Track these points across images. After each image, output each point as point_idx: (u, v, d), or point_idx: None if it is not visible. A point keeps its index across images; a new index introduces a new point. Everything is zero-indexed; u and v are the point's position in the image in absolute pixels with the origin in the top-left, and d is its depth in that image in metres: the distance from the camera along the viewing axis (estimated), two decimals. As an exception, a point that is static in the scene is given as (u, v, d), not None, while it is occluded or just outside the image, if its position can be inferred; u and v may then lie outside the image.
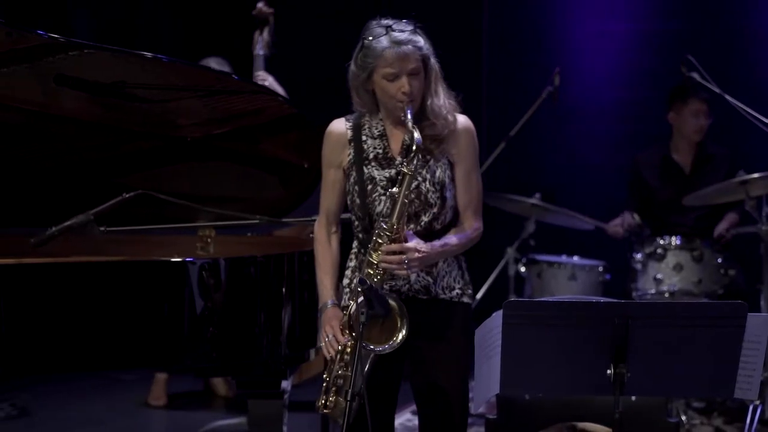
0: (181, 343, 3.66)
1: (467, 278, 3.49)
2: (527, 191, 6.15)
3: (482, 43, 7.55)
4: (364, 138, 3.40)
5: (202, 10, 8.12)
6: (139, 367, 4.50)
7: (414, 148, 3.23)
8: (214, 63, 5.70)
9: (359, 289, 3.16)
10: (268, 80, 5.47)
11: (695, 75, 5.47)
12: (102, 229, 3.86)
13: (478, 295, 6.11)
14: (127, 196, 3.93)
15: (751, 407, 5.08)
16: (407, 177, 3.25)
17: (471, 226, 3.42)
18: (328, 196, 3.48)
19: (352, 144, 3.41)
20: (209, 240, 4.26)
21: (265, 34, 5.52)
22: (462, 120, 3.41)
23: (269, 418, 3.96)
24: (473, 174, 3.42)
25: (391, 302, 3.25)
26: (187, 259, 3.70)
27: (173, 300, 3.64)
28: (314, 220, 3.57)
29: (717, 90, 5.43)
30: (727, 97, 5.41)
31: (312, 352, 4.06)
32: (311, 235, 3.59)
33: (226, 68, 5.71)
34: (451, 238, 3.37)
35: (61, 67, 3.70)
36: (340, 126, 3.44)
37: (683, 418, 5.29)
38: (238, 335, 3.76)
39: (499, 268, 6.13)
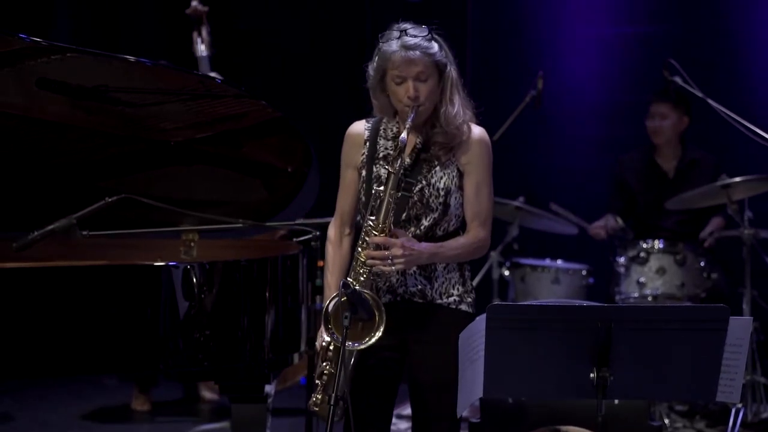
0: (164, 348, 3.65)
1: (469, 286, 3.46)
2: (511, 195, 6.16)
3: (466, 47, 7.55)
4: (379, 139, 3.42)
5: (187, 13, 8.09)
6: (123, 371, 4.48)
7: (399, 146, 3.24)
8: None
9: (342, 292, 3.16)
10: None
11: (677, 79, 5.49)
12: (85, 233, 3.85)
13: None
14: (110, 200, 3.91)
15: (733, 410, 5.10)
16: (392, 176, 3.26)
17: (475, 236, 3.40)
18: (343, 197, 3.49)
19: (367, 144, 3.43)
20: (192, 244, 4.25)
21: (204, 33, 5.45)
22: (477, 131, 3.41)
23: (252, 423, 3.96)
24: (484, 187, 3.41)
25: (368, 299, 3.23)
26: (170, 264, 3.69)
27: (156, 304, 3.63)
28: (297, 225, 3.57)
29: (699, 94, 5.45)
30: (710, 101, 5.42)
31: (296, 356, 4.05)
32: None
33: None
34: (450, 243, 3.36)
35: (44, 71, 3.68)
36: (359, 127, 3.47)
37: (666, 421, 5.30)
38: (222, 339, 3.74)
39: (482, 271, 6.13)
